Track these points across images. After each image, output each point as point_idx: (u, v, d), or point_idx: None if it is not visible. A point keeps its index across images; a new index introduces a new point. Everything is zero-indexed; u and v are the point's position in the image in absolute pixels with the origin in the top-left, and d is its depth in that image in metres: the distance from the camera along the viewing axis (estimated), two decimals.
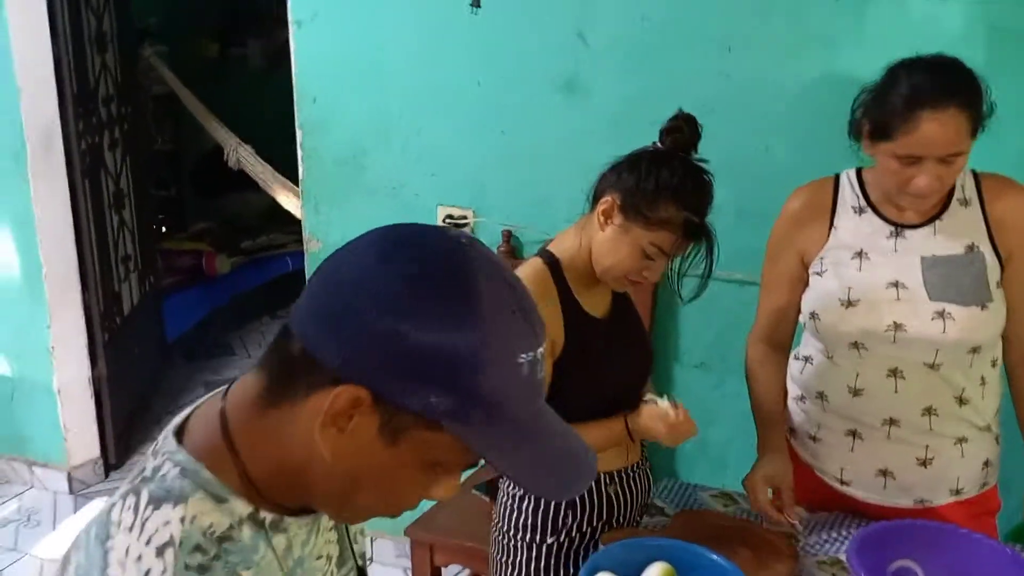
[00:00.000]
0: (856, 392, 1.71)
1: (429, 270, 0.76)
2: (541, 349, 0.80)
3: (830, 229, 1.73)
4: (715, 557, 1.48)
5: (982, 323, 1.63)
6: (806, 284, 1.76)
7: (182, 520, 0.78)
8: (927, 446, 1.70)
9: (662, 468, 2.41)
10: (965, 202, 1.67)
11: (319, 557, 0.92)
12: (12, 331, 3.32)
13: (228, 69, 5.27)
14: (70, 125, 3.16)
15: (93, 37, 3.38)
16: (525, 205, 2.50)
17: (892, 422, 1.70)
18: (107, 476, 3.49)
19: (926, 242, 1.66)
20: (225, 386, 0.88)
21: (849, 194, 1.73)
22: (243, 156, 4.14)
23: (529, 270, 1.61)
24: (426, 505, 2.40)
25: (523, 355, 0.78)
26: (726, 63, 2.23)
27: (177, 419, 0.87)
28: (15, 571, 3.00)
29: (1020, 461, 2.08)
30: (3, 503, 3.37)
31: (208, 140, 4.35)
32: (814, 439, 1.81)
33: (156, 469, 0.82)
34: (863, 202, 1.71)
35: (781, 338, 1.85)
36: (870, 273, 1.67)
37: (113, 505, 0.81)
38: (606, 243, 1.57)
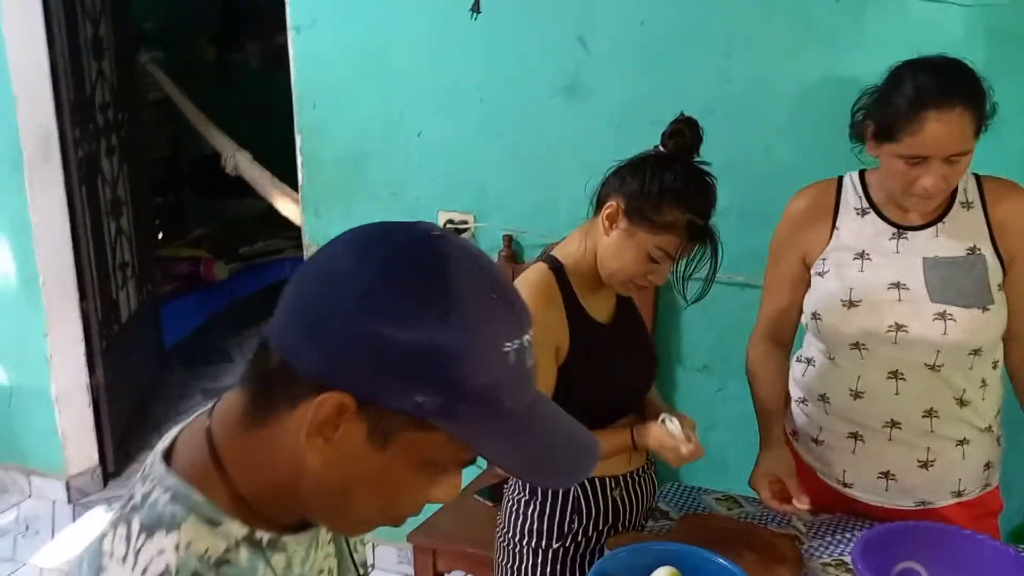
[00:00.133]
0: (857, 394, 1.72)
1: (402, 266, 0.74)
2: (527, 336, 0.77)
3: (832, 230, 1.73)
4: (721, 561, 1.48)
5: (983, 325, 1.63)
6: (808, 285, 1.77)
7: (176, 547, 0.75)
8: (928, 448, 1.70)
9: (666, 472, 2.41)
10: (967, 205, 1.68)
11: (320, 572, 0.90)
12: (10, 339, 3.31)
13: (226, 74, 5.27)
14: (67, 132, 3.15)
15: (89, 44, 3.38)
16: (526, 209, 2.50)
17: (893, 424, 1.70)
18: (106, 485, 3.48)
19: (928, 244, 1.67)
20: (210, 404, 0.85)
21: (852, 196, 1.74)
22: (241, 162, 4.15)
23: (534, 275, 1.61)
24: (429, 511, 2.39)
25: (508, 344, 0.76)
26: (726, 66, 2.24)
27: (164, 441, 0.84)
28: None
29: (1021, 462, 2.09)
30: (1, 513, 3.36)
31: (206, 144, 4.35)
32: (816, 441, 1.81)
33: (146, 495, 0.79)
34: (866, 204, 1.72)
35: (783, 338, 1.86)
36: (872, 274, 1.68)
37: (104, 535, 0.78)
38: (611, 248, 1.57)
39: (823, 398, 1.78)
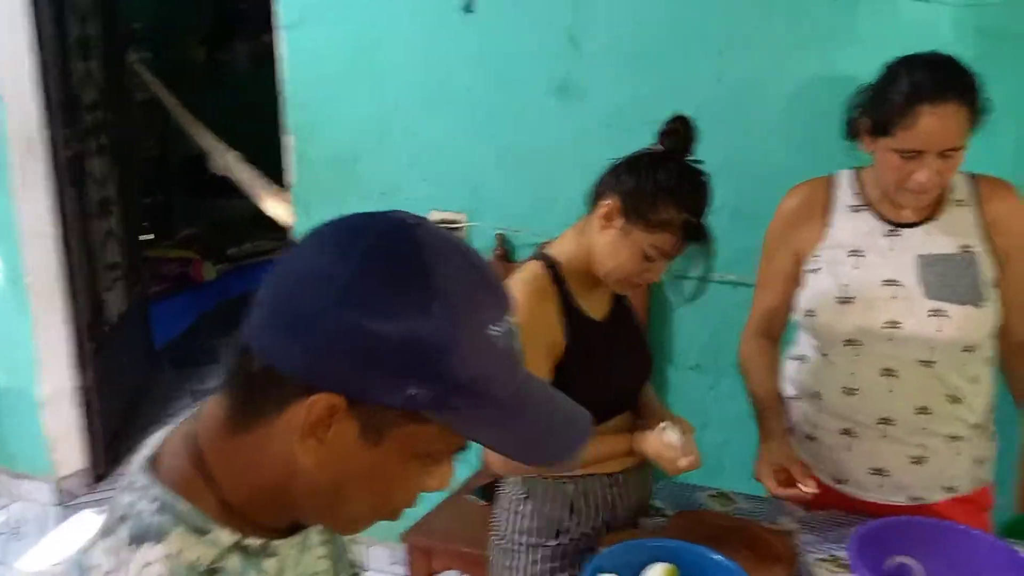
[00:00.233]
0: (850, 391, 1.73)
1: (381, 258, 0.73)
2: (512, 318, 0.77)
3: (825, 228, 1.74)
4: (717, 557, 1.48)
5: (977, 322, 1.65)
6: (799, 282, 1.78)
7: (166, 558, 0.74)
8: (921, 445, 1.71)
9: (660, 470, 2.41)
10: (961, 203, 1.70)
11: (314, 574, 0.89)
12: None
13: (215, 74, 5.25)
14: (54, 132, 3.13)
15: (77, 43, 3.36)
16: (519, 209, 2.51)
17: (886, 421, 1.71)
18: (95, 487, 3.46)
19: (922, 241, 1.68)
20: (193, 411, 0.84)
21: (845, 193, 1.75)
22: (229, 162, 4.13)
23: (528, 272, 1.61)
24: (422, 510, 2.40)
25: (493, 327, 0.75)
26: (719, 65, 2.25)
27: (147, 451, 0.82)
28: None
29: (1013, 458, 2.10)
30: None
31: (195, 144, 4.34)
32: (809, 438, 1.82)
33: (131, 506, 0.77)
34: (859, 201, 1.73)
35: (774, 333, 1.88)
36: (866, 271, 1.69)
37: (89, 548, 0.77)
38: (607, 246, 1.57)
39: (816, 395, 1.79)
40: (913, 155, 1.56)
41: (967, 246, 1.67)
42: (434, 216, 2.56)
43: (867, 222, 1.72)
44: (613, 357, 1.66)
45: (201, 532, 0.76)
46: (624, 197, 1.54)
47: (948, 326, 1.63)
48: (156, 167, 5.03)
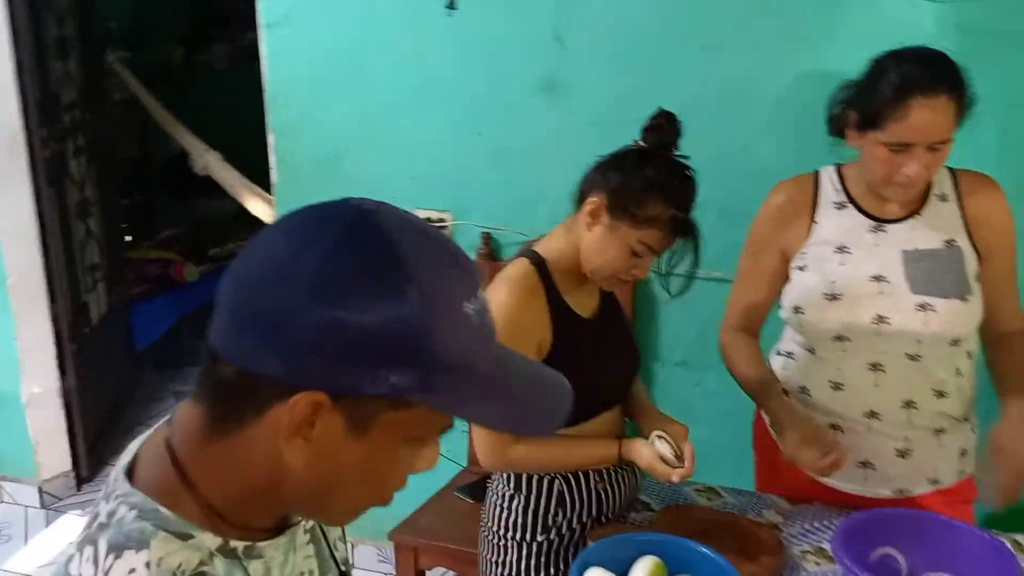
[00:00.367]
0: (837, 386, 1.74)
1: (348, 248, 0.72)
2: (482, 293, 0.77)
3: (811, 225, 1.75)
4: (704, 550, 1.49)
5: (962, 315, 1.67)
6: (785, 279, 1.79)
7: (148, 565, 0.72)
8: (906, 438, 1.73)
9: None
10: (943, 197, 1.72)
11: (301, 574, 0.89)
12: None
13: (193, 73, 5.22)
14: (33, 132, 3.10)
15: (55, 43, 3.33)
16: (504, 207, 2.51)
17: (873, 415, 1.73)
18: (79, 489, 3.43)
19: (906, 236, 1.70)
20: (166, 417, 0.83)
21: (829, 190, 1.76)
22: (210, 162, 4.11)
23: (516, 269, 1.61)
24: (409, 508, 2.40)
25: (467, 304, 0.75)
26: (704, 63, 2.26)
27: (125, 458, 0.81)
28: None
29: None
30: None
31: (175, 144, 4.31)
32: None
33: (111, 514, 0.76)
34: (844, 197, 1.75)
35: (755, 329, 1.88)
36: (853, 267, 1.70)
37: (71, 558, 0.76)
38: (595, 243, 1.58)
39: (803, 390, 1.80)
40: (902, 148, 1.57)
41: (951, 241, 1.69)
42: (419, 215, 2.56)
43: (852, 218, 1.73)
44: (601, 354, 1.67)
45: (184, 537, 0.75)
46: (611, 194, 1.55)
47: (935, 320, 1.65)
48: (136, 167, 4.99)
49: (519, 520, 1.70)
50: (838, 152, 1.74)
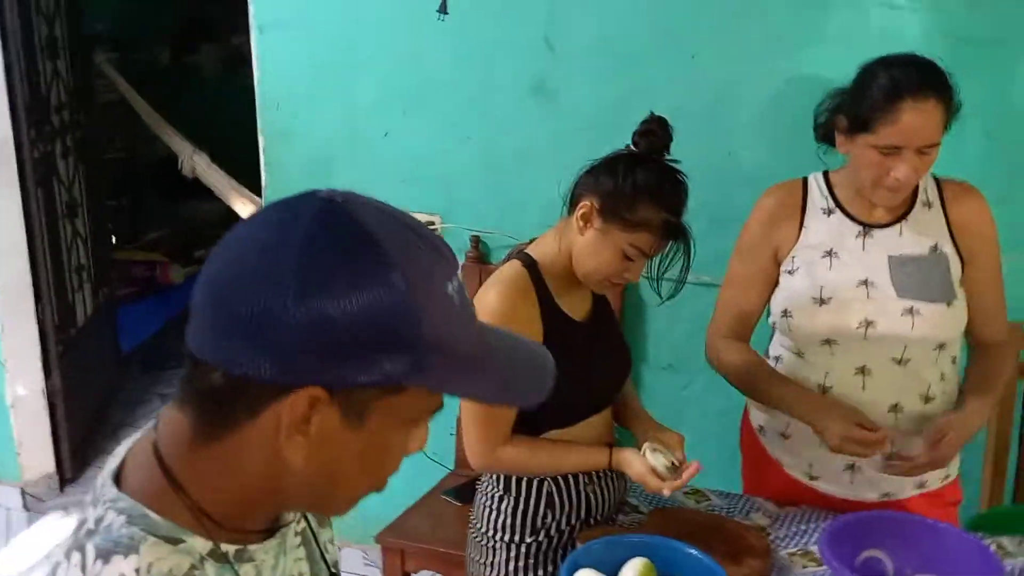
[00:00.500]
0: (825, 391, 1.75)
1: (326, 240, 0.71)
2: (459, 272, 0.78)
3: (801, 229, 1.77)
4: (693, 552, 1.50)
5: (948, 320, 1.69)
6: (775, 285, 1.80)
7: (137, 571, 0.71)
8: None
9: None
10: (928, 204, 1.74)
11: None
12: None
13: (182, 75, 5.21)
14: (22, 133, 3.09)
15: (44, 44, 3.32)
16: (493, 210, 2.52)
17: None
18: (62, 491, 3.41)
19: (893, 242, 1.72)
20: (152, 422, 0.82)
21: (817, 196, 1.78)
22: (198, 164, 4.10)
23: (508, 271, 1.62)
24: (396, 511, 2.40)
25: (448, 285, 0.75)
26: (693, 68, 2.28)
27: (112, 463, 0.81)
28: None
29: (978, 455, 2.15)
30: None
31: (163, 146, 4.30)
32: (784, 436, 1.85)
33: (99, 520, 0.75)
34: (831, 203, 1.77)
35: (746, 336, 1.87)
36: (840, 272, 1.72)
37: (57, 565, 0.75)
38: (587, 247, 1.59)
39: None
40: (892, 151, 1.60)
41: (936, 246, 1.71)
42: None
43: (839, 223, 1.75)
44: (593, 357, 1.67)
45: (174, 542, 0.75)
46: (602, 198, 1.56)
47: (921, 324, 1.67)
48: (124, 169, 4.97)
49: (508, 521, 1.70)
50: (825, 158, 1.76)
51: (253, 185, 2.85)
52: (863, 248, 1.73)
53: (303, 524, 0.93)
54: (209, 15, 5.18)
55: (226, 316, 0.71)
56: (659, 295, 1.65)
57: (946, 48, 2.00)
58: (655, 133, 1.58)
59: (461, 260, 2.53)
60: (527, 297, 1.60)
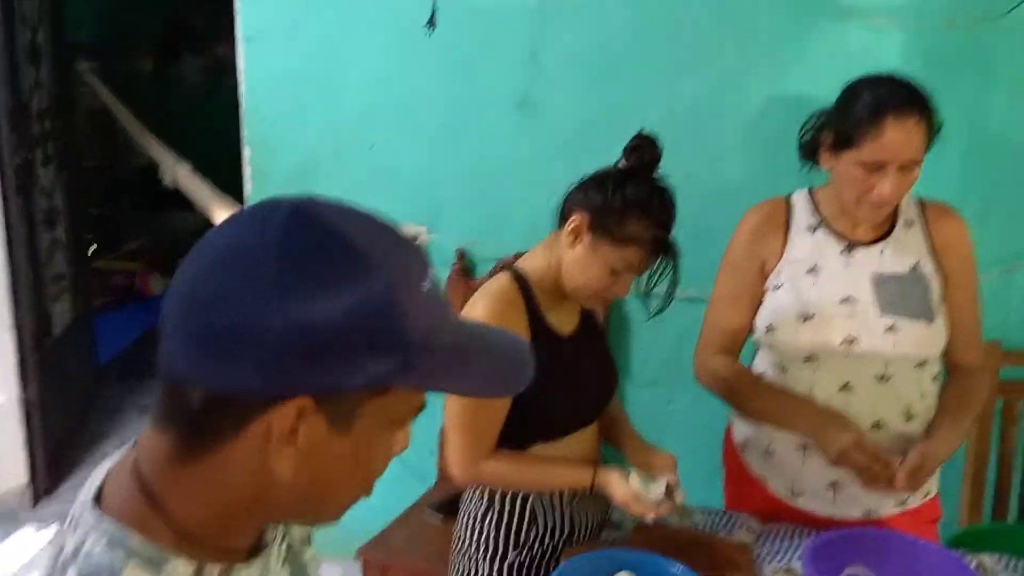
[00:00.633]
0: None
1: (300, 246, 0.70)
2: (433, 269, 0.78)
3: (786, 244, 1.79)
4: (678, 568, 1.50)
5: (929, 337, 1.71)
6: (761, 300, 1.81)
7: None
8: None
9: None
10: (910, 223, 1.77)
11: None
12: None
13: (164, 85, 5.19)
14: (3, 140, 3.07)
15: (27, 51, 3.30)
16: (479, 223, 2.52)
17: None
18: (37, 503, 3.36)
19: (875, 260, 1.74)
20: (130, 444, 0.81)
21: (802, 213, 1.80)
22: (179, 174, 4.08)
23: (497, 284, 1.62)
24: (377, 526, 2.38)
25: (424, 282, 0.75)
26: (676, 85, 2.30)
27: (91, 485, 0.79)
28: None
29: (958, 472, 2.17)
30: None
31: (144, 155, 4.29)
32: (767, 452, 1.85)
33: (79, 545, 0.73)
34: (815, 220, 1.79)
35: (735, 352, 1.88)
36: (823, 289, 1.73)
37: None
38: (576, 261, 1.59)
39: None
40: (877, 167, 1.62)
41: (917, 265, 1.74)
42: None
43: (824, 240, 1.77)
44: (580, 371, 1.67)
45: (156, 565, 0.73)
46: (592, 213, 1.57)
47: (903, 341, 1.69)
48: (105, 178, 4.95)
49: (491, 537, 1.69)
50: (807, 174, 1.78)
51: (236, 195, 2.84)
52: (845, 266, 1.75)
53: (286, 543, 0.91)
54: (192, 25, 5.17)
55: (202, 332, 0.69)
56: (648, 310, 1.66)
57: (926, 69, 2.03)
58: (644, 149, 1.59)
59: (446, 274, 2.52)
60: (515, 310, 1.60)
